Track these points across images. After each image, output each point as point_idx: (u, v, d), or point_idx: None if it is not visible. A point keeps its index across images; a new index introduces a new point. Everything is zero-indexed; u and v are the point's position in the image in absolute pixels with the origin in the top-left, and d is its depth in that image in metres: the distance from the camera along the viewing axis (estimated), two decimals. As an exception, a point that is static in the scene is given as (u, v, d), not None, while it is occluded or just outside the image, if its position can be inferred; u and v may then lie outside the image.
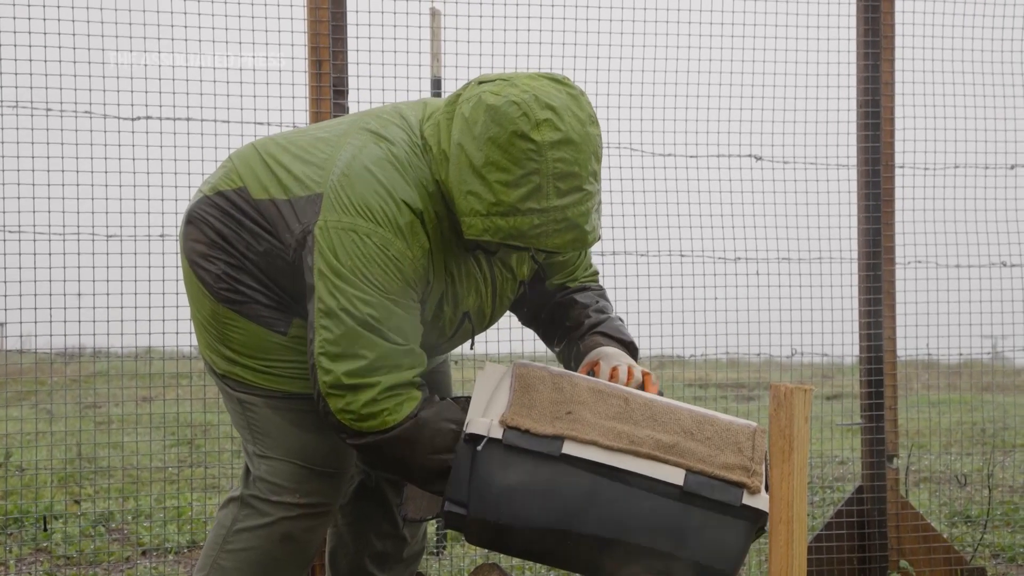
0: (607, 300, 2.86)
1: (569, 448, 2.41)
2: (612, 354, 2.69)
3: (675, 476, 2.45)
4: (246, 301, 2.56)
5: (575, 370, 2.74)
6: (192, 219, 2.62)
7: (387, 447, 2.40)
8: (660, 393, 2.67)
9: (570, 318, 2.79)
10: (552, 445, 2.40)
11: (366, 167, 2.44)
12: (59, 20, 3.67)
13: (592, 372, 2.69)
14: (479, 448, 2.39)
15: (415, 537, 3.02)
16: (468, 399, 2.54)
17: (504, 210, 2.34)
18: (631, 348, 2.77)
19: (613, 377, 2.63)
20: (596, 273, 2.91)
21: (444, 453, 2.41)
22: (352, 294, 2.37)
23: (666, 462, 2.46)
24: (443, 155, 2.43)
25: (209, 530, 2.74)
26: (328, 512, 2.70)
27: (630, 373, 2.64)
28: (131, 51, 3.72)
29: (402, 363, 2.41)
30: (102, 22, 3.69)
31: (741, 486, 2.50)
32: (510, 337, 3.93)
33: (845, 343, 4.45)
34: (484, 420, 2.43)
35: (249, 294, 2.55)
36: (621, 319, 2.83)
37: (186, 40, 3.78)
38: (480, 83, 2.44)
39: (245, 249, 2.55)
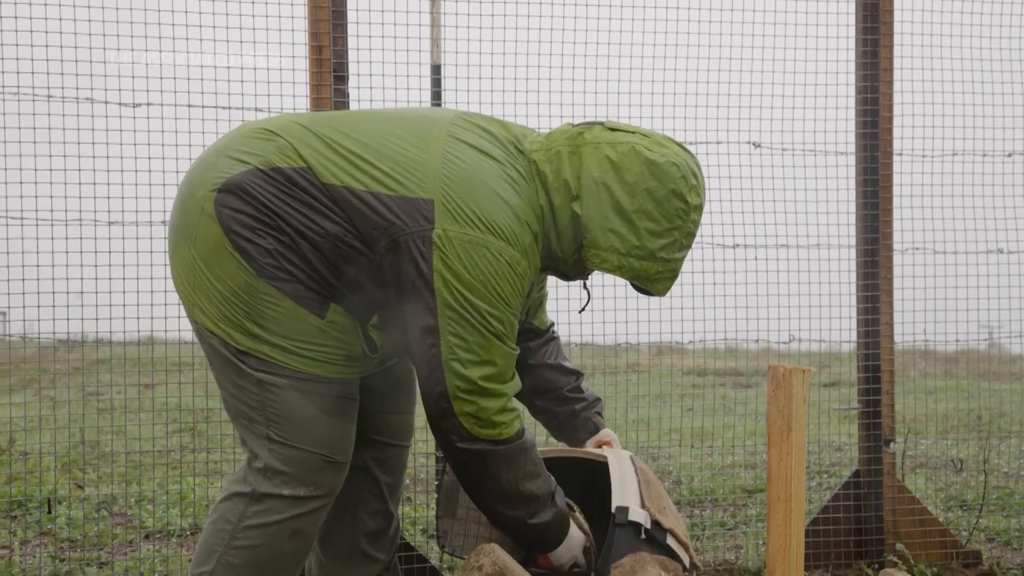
0: (558, 341, 3.14)
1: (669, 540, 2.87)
2: (612, 436, 3.01)
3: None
4: (289, 280, 2.53)
5: (578, 435, 3.09)
6: (238, 190, 2.54)
7: (493, 457, 2.55)
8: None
9: (570, 389, 3.06)
10: (663, 535, 2.85)
11: (484, 182, 2.54)
12: (60, 5, 3.64)
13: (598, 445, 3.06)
14: (641, 536, 2.76)
15: (396, 514, 3.02)
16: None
17: (644, 254, 2.60)
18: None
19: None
20: (552, 323, 3.14)
21: (532, 480, 2.62)
22: (484, 308, 2.49)
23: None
24: (564, 184, 2.61)
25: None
26: (330, 504, 2.69)
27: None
28: (132, 36, 3.69)
29: (515, 380, 2.61)
30: (103, 7, 3.66)
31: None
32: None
33: (843, 328, 4.43)
34: (642, 512, 2.78)
35: (295, 273, 2.54)
36: (580, 374, 3.15)
37: (187, 26, 3.74)
38: (613, 130, 2.66)
39: (304, 228, 2.53)
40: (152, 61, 3.71)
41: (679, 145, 2.69)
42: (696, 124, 4.20)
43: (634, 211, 2.57)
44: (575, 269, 2.70)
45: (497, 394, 2.53)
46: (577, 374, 3.08)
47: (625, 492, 2.85)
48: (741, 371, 8.11)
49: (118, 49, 3.71)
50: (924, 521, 4.22)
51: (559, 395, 3.02)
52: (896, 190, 4.33)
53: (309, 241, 2.53)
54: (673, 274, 2.68)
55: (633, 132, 2.66)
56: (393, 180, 2.52)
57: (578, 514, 2.89)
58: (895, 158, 4.32)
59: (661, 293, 2.71)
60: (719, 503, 5.16)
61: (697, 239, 4.37)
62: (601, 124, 2.69)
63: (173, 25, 3.73)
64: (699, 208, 2.66)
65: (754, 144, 4.35)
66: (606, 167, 2.59)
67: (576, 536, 2.80)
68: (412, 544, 3.90)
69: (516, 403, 2.66)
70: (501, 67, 3.98)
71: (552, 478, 2.71)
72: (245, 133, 2.66)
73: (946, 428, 6.41)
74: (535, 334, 3.04)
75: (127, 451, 4.12)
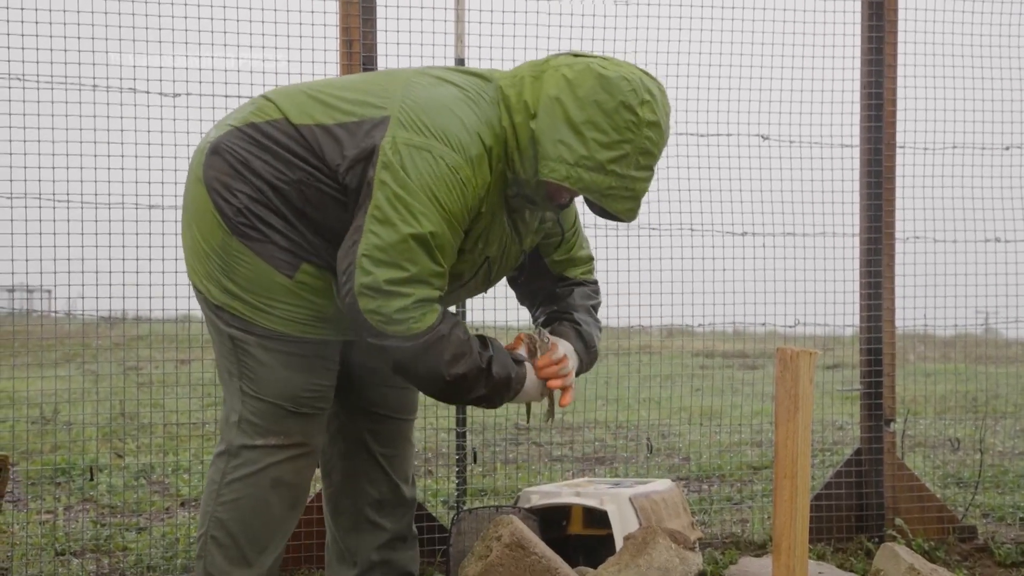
0: (599, 298, 2.99)
1: None
2: (569, 351, 2.82)
3: None
4: (261, 240, 2.55)
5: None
6: (218, 150, 2.59)
7: (405, 352, 2.48)
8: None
9: (562, 306, 2.93)
10: None
11: (440, 101, 2.53)
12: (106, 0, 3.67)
13: (537, 344, 2.80)
14: None
15: (407, 483, 3.00)
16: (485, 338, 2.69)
17: (592, 165, 2.51)
18: (593, 355, 2.92)
19: (560, 363, 2.76)
20: (592, 259, 3.02)
21: (456, 363, 2.51)
22: (416, 208, 2.44)
23: None
24: (524, 105, 2.56)
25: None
26: (312, 452, 2.68)
27: (568, 376, 2.78)
28: (172, 30, 3.72)
29: (434, 283, 2.50)
30: (146, 2, 3.69)
31: None
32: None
33: (845, 313, 4.44)
34: None
35: (266, 232, 2.55)
36: (600, 327, 2.98)
37: (225, 20, 3.76)
38: (576, 56, 2.60)
39: (273, 179, 2.54)
40: (192, 54, 3.74)
41: (641, 70, 2.60)
42: (707, 117, 4.22)
43: (583, 122, 2.50)
44: (538, 192, 2.61)
45: (400, 295, 2.45)
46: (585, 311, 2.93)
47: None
48: (747, 353, 8.11)
49: (159, 41, 3.74)
50: (923, 498, 4.23)
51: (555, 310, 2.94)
52: (898, 181, 4.33)
53: (280, 192, 2.54)
54: (632, 194, 2.56)
55: (595, 56, 2.61)
56: (357, 106, 2.55)
57: (541, 338, 2.77)
58: (897, 150, 4.32)
59: (624, 215, 2.58)
60: (726, 479, 5.18)
61: (708, 226, 4.41)
62: (568, 53, 2.64)
63: (212, 19, 3.75)
64: (654, 125, 2.53)
65: (762, 137, 4.36)
66: (562, 85, 2.53)
67: (531, 388, 2.72)
68: (433, 515, 3.94)
69: (428, 294, 2.50)
70: (523, 61, 4.00)
71: (485, 350, 2.58)
72: (242, 104, 2.74)
73: (944, 409, 6.42)
74: (558, 280, 2.94)
75: (164, 423, 4.16)
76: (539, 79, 2.58)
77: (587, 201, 2.69)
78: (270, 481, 2.64)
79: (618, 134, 2.51)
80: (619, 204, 2.57)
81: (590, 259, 3.02)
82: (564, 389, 2.78)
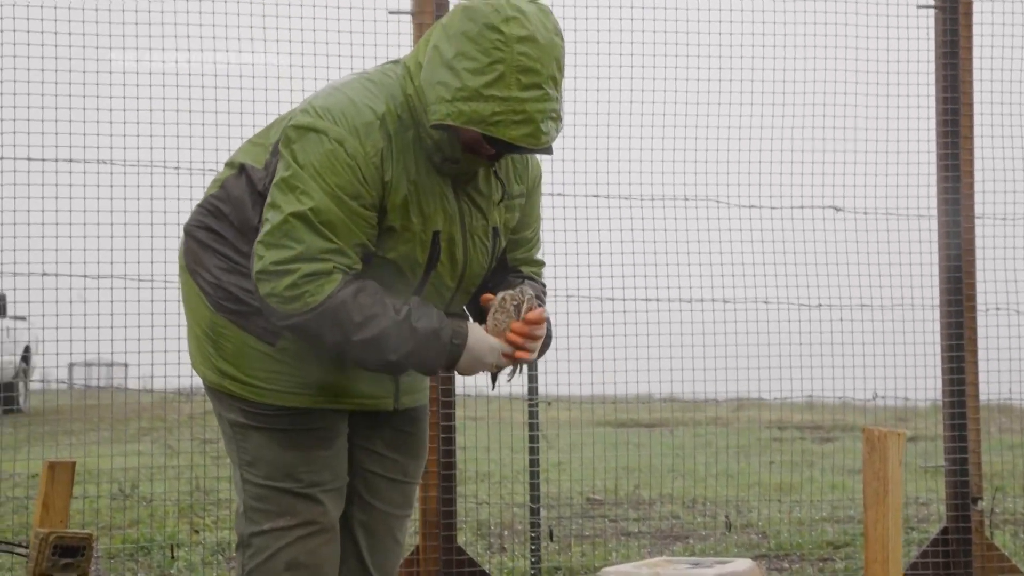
0: (545, 296, 2.80)
1: None
2: (535, 288, 2.66)
3: None
4: (241, 311, 2.50)
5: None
6: (186, 231, 2.58)
7: (311, 325, 2.41)
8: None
9: (506, 282, 2.74)
10: None
11: (332, 86, 2.52)
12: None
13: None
14: None
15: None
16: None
17: (468, 95, 2.40)
18: (549, 336, 2.71)
19: (539, 324, 2.56)
20: (543, 264, 2.87)
21: (365, 328, 2.41)
22: (299, 188, 2.40)
23: None
24: (417, 66, 2.50)
25: None
26: (326, 529, 2.57)
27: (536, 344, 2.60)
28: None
29: (328, 258, 2.42)
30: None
31: None
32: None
33: (920, 388, 4.32)
34: None
35: (243, 299, 2.49)
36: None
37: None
38: None
39: (233, 238, 2.51)
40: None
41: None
42: (782, 190, 4.14)
43: (453, 56, 2.41)
44: (453, 147, 2.49)
45: (288, 273, 2.38)
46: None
47: None
48: (821, 424, 7.91)
49: (228, 125, 3.75)
50: (1013, 579, 4.03)
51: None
52: (978, 252, 4.21)
53: (241, 253, 2.49)
54: (524, 116, 2.38)
55: None
56: (271, 130, 2.53)
57: (522, 294, 2.54)
58: (976, 221, 4.21)
59: (524, 141, 2.39)
60: (806, 557, 4.99)
61: (783, 299, 4.31)
62: None
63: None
64: (526, 39, 2.39)
65: (836, 208, 4.27)
66: (438, 31, 2.47)
67: (478, 345, 2.53)
68: (508, 594, 3.82)
69: (319, 268, 2.41)
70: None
71: (398, 311, 2.44)
72: None
73: (1028, 484, 6.16)
74: (512, 270, 2.77)
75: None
76: (428, 40, 2.51)
77: (488, 139, 2.48)
78: (284, 565, 2.54)
79: (487, 56, 2.39)
80: (513, 130, 2.40)
81: (543, 264, 2.88)
82: (521, 350, 2.56)
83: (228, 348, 2.53)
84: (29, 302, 3.70)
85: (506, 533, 5.25)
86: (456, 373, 2.59)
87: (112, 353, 3.81)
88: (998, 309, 4.27)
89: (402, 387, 2.62)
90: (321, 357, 2.53)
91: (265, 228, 2.42)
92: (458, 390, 4.10)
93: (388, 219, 2.49)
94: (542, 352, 2.70)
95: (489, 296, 2.60)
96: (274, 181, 2.44)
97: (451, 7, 2.64)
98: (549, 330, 2.67)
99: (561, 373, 4.21)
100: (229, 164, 2.61)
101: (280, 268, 2.39)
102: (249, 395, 2.53)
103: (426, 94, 2.45)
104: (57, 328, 3.69)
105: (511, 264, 2.78)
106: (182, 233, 2.63)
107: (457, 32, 2.43)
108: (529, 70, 2.41)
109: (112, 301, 3.66)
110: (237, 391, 2.54)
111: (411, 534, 4.22)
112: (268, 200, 2.43)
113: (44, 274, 3.64)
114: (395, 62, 2.61)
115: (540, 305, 2.56)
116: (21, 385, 11.63)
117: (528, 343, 2.55)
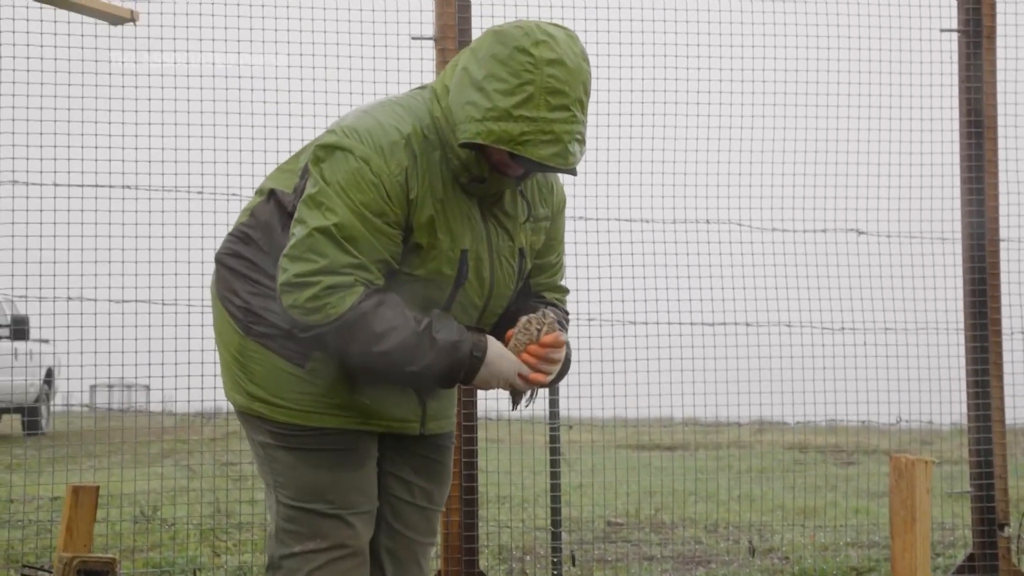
0: (568, 323, 2.82)
1: None
2: (558, 315, 2.69)
3: None
4: (270, 334, 2.51)
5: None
6: (217, 260, 2.60)
7: (333, 336, 2.43)
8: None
9: (537, 300, 2.77)
10: None
11: (360, 108, 2.56)
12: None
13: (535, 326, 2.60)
14: None
15: None
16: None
17: (498, 115, 2.44)
18: (569, 360, 2.71)
19: (556, 348, 2.57)
20: (567, 291, 2.88)
21: (385, 339, 2.44)
22: (325, 204, 2.44)
23: None
24: (444, 89, 2.54)
25: None
26: (356, 553, 2.56)
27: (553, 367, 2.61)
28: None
29: (350, 273, 2.45)
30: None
31: None
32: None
33: (948, 412, 4.27)
34: None
35: (272, 321, 2.51)
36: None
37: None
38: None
39: (263, 263, 2.53)
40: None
41: (549, 23, 2.52)
42: (804, 214, 4.13)
43: (483, 78, 2.45)
44: (479, 166, 2.52)
45: (310, 285, 2.41)
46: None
47: None
48: (842, 447, 7.84)
49: (252, 151, 3.76)
50: (1040, 606, 3.97)
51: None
52: (1003, 276, 4.17)
53: (269, 276, 2.52)
54: (552, 137, 2.42)
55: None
56: (300, 155, 2.58)
57: (544, 318, 2.55)
58: (1000, 244, 4.17)
59: (552, 161, 2.42)
60: (830, 583, 4.93)
61: (806, 323, 4.28)
62: None
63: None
64: (555, 63, 2.43)
65: (858, 232, 4.24)
66: (466, 55, 2.51)
67: (497, 361, 2.54)
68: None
69: (340, 281, 2.43)
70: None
71: (418, 322, 2.46)
72: None
73: (1053, 509, 6.09)
74: (535, 296, 2.79)
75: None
76: (456, 64, 2.55)
77: (515, 159, 2.51)
78: None
79: (517, 78, 2.43)
80: (541, 150, 2.43)
81: (567, 291, 2.89)
82: (537, 371, 2.56)
83: (257, 371, 2.54)
84: (54, 327, 3.72)
85: (527, 558, 5.22)
86: (473, 386, 2.59)
87: (136, 377, 3.83)
88: (1023, 333, 4.23)
89: (429, 412, 2.63)
90: (349, 378, 2.54)
91: (291, 242, 2.46)
92: (479, 413, 4.08)
93: (415, 236, 2.51)
94: (560, 377, 2.71)
95: (512, 332, 2.59)
96: (302, 198, 2.47)
97: (472, 33, 2.62)
98: (568, 356, 2.67)
99: (583, 396, 4.19)
100: (258, 191, 2.65)
101: (303, 280, 2.42)
102: (278, 416, 2.54)
103: (455, 114, 2.48)
104: (82, 352, 3.71)
105: (535, 289, 2.80)
106: (215, 262, 2.65)
107: (487, 55, 2.47)
108: (557, 92, 2.44)
109: (136, 326, 3.68)
110: (267, 413, 2.54)
111: (433, 558, 4.19)
112: (295, 216, 2.47)
113: (69, 299, 3.66)
114: (422, 87, 2.65)
115: (561, 331, 2.59)
116: (44, 408, 11.69)
117: (543, 365, 2.56)
